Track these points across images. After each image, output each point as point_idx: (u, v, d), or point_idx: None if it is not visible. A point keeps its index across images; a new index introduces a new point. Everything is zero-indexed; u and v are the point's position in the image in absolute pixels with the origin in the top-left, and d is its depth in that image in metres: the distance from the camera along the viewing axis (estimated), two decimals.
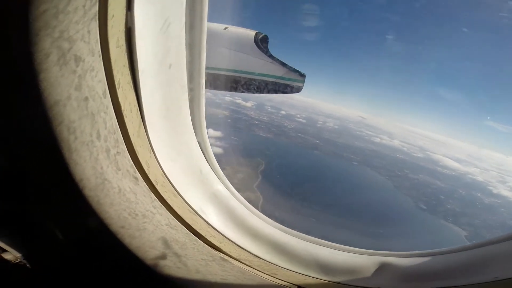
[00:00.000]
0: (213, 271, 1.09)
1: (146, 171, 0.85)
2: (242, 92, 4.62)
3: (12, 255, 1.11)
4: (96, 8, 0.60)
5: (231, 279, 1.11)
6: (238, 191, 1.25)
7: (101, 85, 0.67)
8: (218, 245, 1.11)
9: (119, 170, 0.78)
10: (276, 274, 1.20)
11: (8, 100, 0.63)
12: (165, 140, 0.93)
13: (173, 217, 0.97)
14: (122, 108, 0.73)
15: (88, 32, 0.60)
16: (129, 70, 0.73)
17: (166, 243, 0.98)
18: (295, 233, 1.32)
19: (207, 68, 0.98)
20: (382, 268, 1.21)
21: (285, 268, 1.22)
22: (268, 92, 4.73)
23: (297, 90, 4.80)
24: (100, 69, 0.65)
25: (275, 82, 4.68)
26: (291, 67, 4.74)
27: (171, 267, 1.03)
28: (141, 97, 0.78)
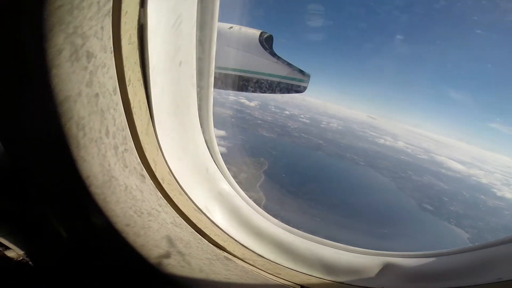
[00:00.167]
0: (217, 270, 1.09)
1: (153, 169, 0.85)
2: (246, 91, 4.61)
3: (15, 252, 1.11)
4: (110, 4, 0.60)
5: (234, 278, 1.11)
6: None
7: (112, 81, 0.67)
8: (222, 244, 1.10)
9: (126, 167, 0.77)
10: (279, 274, 1.19)
11: (18, 95, 0.63)
12: (173, 138, 0.93)
13: (178, 215, 0.96)
14: (132, 105, 0.73)
15: (102, 28, 0.60)
16: (140, 67, 0.73)
17: (170, 241, 0.96)
18: (299, 233, 1.31)
19: None
20: (386, 268, 1.20)
21: (288, 267, 1.21)
22: (272, 91, 4.71)
23: (302, 90, 4.77)
24: (111, 66, 0.65)
25: (280, 82, 4.66)
26: (295, 67, 4.72)
27: (175, 266, 1.02)
28: (150, 95, 0.78)
